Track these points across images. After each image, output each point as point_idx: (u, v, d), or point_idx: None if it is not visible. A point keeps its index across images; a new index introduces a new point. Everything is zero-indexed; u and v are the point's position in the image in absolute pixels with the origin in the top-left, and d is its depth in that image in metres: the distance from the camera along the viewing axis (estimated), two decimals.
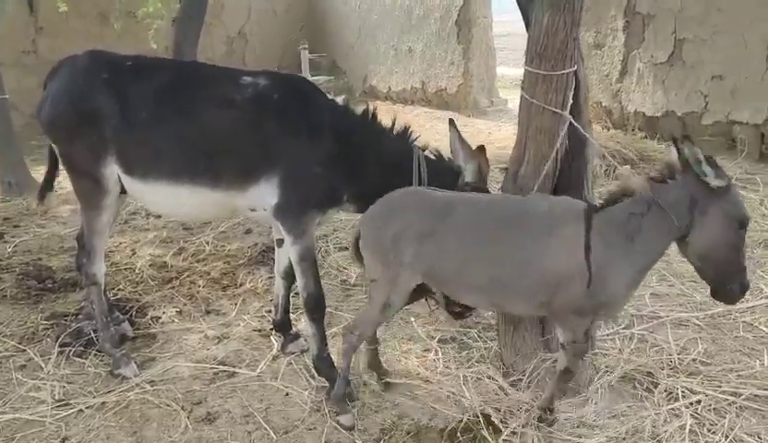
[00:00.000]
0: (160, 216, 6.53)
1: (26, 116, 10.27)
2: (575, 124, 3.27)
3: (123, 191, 3.66)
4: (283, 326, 4.01)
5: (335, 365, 3.55)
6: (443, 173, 3.50)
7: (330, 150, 3.43)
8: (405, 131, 3.59)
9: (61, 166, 3.95)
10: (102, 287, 3.83)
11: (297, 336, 3.99)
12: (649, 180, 2.81)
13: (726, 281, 2.78)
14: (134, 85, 3.49)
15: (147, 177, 3.49)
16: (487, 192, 3.50)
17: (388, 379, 3.52)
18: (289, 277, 3.90)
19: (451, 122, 3.62)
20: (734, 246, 2.73)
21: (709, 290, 2.87)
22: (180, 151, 3.44)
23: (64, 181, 7.87)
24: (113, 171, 3.54)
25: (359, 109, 3.64)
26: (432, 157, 3.60)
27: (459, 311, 3.54)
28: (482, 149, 3.51)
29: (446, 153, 3.66)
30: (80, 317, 4.26)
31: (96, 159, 3.51)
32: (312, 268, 3.52)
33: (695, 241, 2.75)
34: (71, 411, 3.36)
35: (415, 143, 3.58)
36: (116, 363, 3.70)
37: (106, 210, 3.67)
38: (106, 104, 3.44)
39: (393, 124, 3.60)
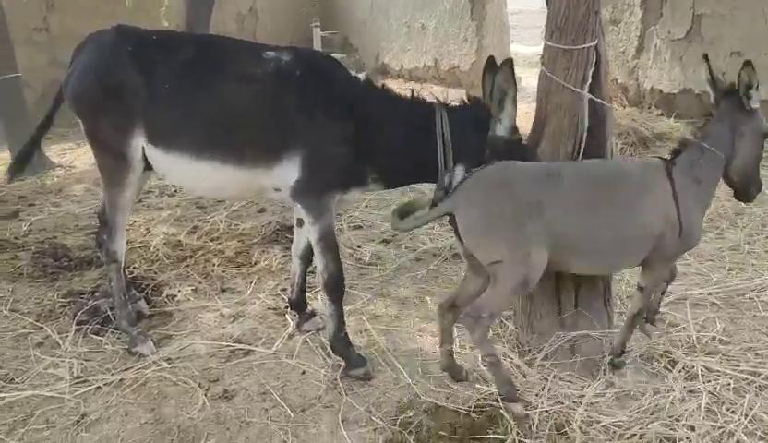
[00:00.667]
0: (173, 194, 6.54)
1: (38, 94, 10.28)
2: (596, 100, 3.22)
3: (146, 168, 3.64)
4: (299, 305, 4.01)
5: (351, 344, 3.55)
6: (469, 124, 3.33)
7: (352, 130, 3.39)
8: (424, 97, 3.49)
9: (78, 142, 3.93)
10: (122, 265, 3.83)
11: (313, 314, 3.99)
12: (695, 131, 3.20)
13: (751, 186, 3.22)
14: (159, 59, 3.47)
15: (172, 152, 3.47)
16: (522, 144, 3.36)
17: (461, 377, 3.36)
18: (306, 258, 3.90)
19: (491, 59, 3.30)
20: (758, 156, 3.16)
21: (733, 193, 3.30)
22: (204, 126, 3.42)
23: (76, 160, 7.98)
24: (138, 146, 3.51)
25: (379, 83, 3.59)
26: (456, 105, 3.42)
27: None
28: (509, 62, 3.18)
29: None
30: (97, 294, 4.29)
31: (121, 134, 3.49)
32: (332, 248, 3.50)
33: (737, 163, 3.14)
34: (89, 388, 3.37)
35: (436, 102, 3.43)
36: (133, 341, 3.71)
37: (129, 187, 3.65)
38: (132, 78, 3.42)
39: (412, 93, 3.50)
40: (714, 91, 3.17)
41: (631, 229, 3.03)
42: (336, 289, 3.50)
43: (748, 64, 3.02)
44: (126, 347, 3.72)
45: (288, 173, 3.42)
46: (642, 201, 3.03)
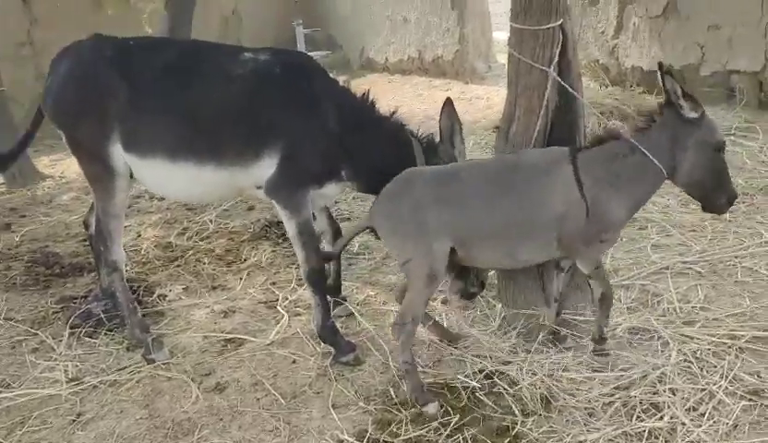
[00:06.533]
0: (163, 198, 6.57)
1: (25, 108, 10.28)
2: (560, 81, 3.28)
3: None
4: (336, 290, 4.06)
5: (339, 331, 3.60)
6: (438, 156, 3.61)
7: (329, 127, 3.48)
8: (402, 124, 3.67)
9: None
10: (124, 273, 3.83)
11: (345, 299, 4.06)
12: (634, 130, 3.12)
13: (714, 198, 3.10)
14: (137, 64, 3.52)
15: (150, 157, 3.51)
16: None
17: (457, 344, 3.57)
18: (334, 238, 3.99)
19: (448, 100, 3.58)
20: (715, 169, 3.02)
21: (700, 207, 3.17)
22: (184, 129, 3.48)
23: (66, 170, 8.02)
24: (120, 151, 3.54)
25: (358, 92, 3.70)
26: (423, 143, 3.65)
27: (473, 292, 3.63)
28: (449, 102, 3.57)
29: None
30: (89, 298, 4.34)
31: (104, 140, 3.51)
32: (311, 240, 3.55)
33: (681, 175, 3.05)
34: (84, 387, 3.44)
35: (412, 132, 3.65)
36: (148, 348, 3.64)
37: (119, 193, 3.66)
38: (111, 84, 3.46)
39: (393, 113, 3.67)
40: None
41: (529, 213, 3.06)
42: (318, 280, 3.56)
43: (662, 69, 2.91)
44: (125, 347, 3.72)
45: (267, 170, 3.48)
46: (540, 185, 3.06)
